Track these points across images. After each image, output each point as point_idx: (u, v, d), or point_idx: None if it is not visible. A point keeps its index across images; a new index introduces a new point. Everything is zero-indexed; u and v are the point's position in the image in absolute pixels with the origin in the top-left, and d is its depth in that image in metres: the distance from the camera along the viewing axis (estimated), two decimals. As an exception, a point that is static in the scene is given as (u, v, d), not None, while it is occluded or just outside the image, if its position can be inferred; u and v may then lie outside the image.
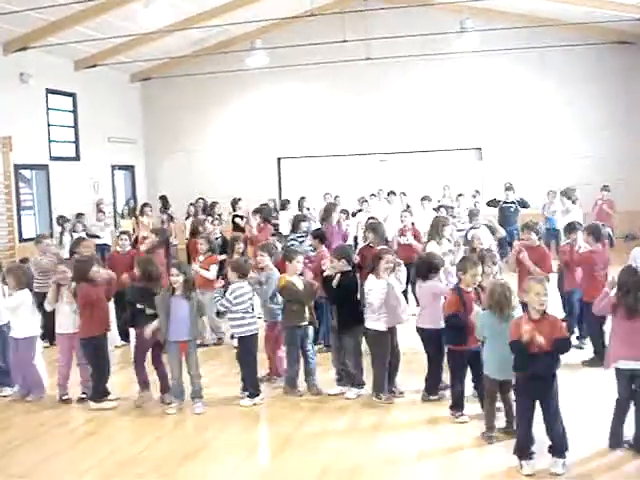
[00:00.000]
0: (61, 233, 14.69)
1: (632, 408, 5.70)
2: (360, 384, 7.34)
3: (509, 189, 15.72)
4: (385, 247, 8.11)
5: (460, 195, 15.79)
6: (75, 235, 13.78)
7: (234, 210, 14.81)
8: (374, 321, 7.09)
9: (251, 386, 7.29)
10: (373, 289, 7.08)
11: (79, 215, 15.96)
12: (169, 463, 5.89)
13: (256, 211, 12.54)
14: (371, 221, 10.01)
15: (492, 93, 19.04)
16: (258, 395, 7.26)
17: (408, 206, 15.00)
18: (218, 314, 9.64)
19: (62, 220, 15.14)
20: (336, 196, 17.10)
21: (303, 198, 16.53)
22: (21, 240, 15.75)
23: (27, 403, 7.53)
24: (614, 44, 17.72)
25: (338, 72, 19.36)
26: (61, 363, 7.58)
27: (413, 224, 11.53)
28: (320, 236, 9.19)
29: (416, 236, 10.79)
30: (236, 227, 14.16)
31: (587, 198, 15.12)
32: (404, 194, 17.20)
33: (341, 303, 7.36)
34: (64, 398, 7.49)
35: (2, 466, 5.94)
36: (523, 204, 15.41)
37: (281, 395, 7.48)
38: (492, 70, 19.02)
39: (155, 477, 5.63)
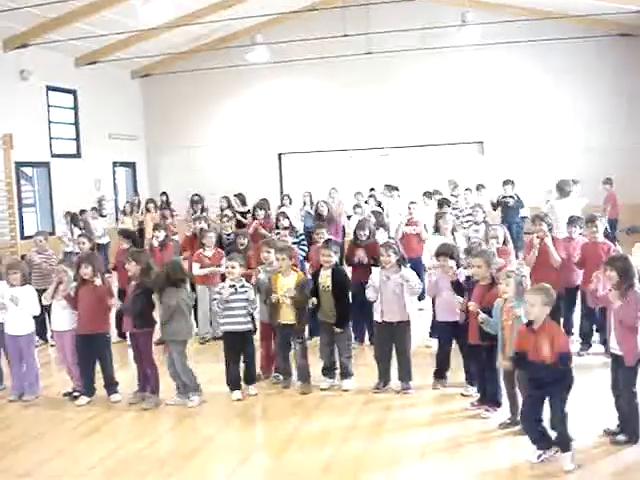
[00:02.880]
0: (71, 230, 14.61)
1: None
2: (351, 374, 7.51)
3: (507, 183, 15.77)
4: (386, 241, 8.11)
5: (467, 189, 15.67)
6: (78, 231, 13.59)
7: (244, 205, 14.72)
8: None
9: (254, 375, 7.47)
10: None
11: (82, 212, 15.93)
12: (172, 461, 5.88)
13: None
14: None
15: (493, 86, 19.00)
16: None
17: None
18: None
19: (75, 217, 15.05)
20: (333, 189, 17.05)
21: (308, 193, 16.49)
22: (23, 237, 15.73)
23: (23, 404, 7.46)
24: (615, 37, 17.65)
25: (339, 66, 19.31)
26: (61, 358, 7.67)
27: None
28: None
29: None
30: (240, 223, 14.13)
31: (589, 191, 15.03)
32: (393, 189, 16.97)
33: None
34: (69, 391, 7.56)
35: (5, 465, 5.93)
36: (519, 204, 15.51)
37: (282, 392, 7.48)
38: (493, 63, 18.97)
39: (159, 475, 5.62)
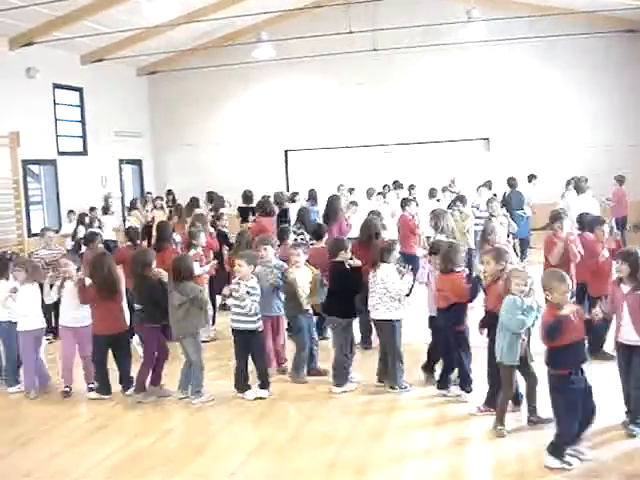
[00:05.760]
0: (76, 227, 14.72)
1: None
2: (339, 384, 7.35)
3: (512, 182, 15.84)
4: (389, 239, 8.13)
5: (482, 186, 15.63)
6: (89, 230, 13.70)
7: (250, 202, 14.71)
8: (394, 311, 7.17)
9: (266, 377, 7.35)
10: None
11: (92, 209, 15.97)
12: (179, 457, 5.91)
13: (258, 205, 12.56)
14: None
15: (499, 83, 18.97)
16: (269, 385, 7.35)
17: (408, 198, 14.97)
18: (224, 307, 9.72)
19: (81, 215, 15.17)
20: (350, 188, 17.04)
21: (312, 190, 16.57)
22: (30, 235, 15.81)
23: (34, 397, 7.56)
24: (621, 33, 17.60)
25: (344, 63, 19.31)
26: (64, 355, 7.67)
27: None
28: (316, 233, 9.15)
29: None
30: (244, 219, 14.12)
31: (595, 187, 15.01)
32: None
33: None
34: (66, 390, 7.57)
35: (13, 461, 5.98)
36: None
37: (287, 390, 7.48)
38: (499, 60, 18.94)
39: (165, 471, 5.65)
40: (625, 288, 5.84)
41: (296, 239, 9.83)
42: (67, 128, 18.39)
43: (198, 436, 6.41)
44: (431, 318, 7.38)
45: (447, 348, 7.00)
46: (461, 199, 12.61)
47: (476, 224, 12.05)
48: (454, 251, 6.89)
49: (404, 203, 12.05)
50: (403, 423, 6.44)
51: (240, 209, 14.61)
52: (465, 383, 6.84)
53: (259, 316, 7.25)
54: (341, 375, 7.30)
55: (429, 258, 7.44)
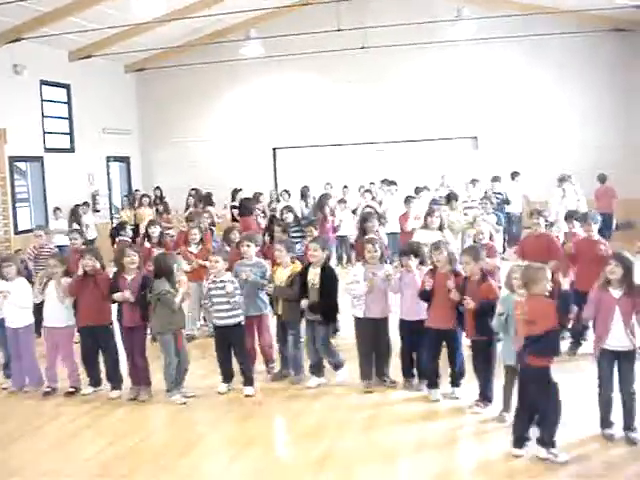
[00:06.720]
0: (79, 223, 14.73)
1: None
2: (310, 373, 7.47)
3: (496, 180, 15.88)
4: (371, 236, 8.10)
5: (475, 181, 15.60)
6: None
7: (233, 200, 14.78)
8: (352, 308, 7.28)
9: (250, 372, 7.31)
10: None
11: (77, 206, 15.88)
12: (167, 455, 5.89)
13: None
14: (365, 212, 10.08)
15: (488, 81, 18.97)
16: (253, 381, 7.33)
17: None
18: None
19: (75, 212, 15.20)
20: (345, 186, 17.03)
21: (306, 187, 16.58)
22: (17, 232, 15.72)
23: (24, 395, 7.55)
24: (610, 32, 17.64)
25: (333, 61, 19.24)
26: (47, 355, 7.65)
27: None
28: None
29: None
30: (234, 218, 14.18)
31: (583, 186, 15.07)
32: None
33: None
34: (47, 391, 7.54)
35: (0, 460, 5.93)
36: (506, 201, 15.62)
37: (276, 386, 7.46)
38: (488, 58, 18.94)
39: (154, 469, 5.63)
40: (616, 293, 5.62)
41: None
42: (54, 125, 18.22)
43: (187, 433, 6.40)
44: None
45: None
46: (454, 197, 12.65)
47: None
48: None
49: (407, 201, 12.07)
50: (393, 419, 6.44)
51: (231, 207, 14.77)
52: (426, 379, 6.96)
53: (242, 310, 7.26)
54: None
55: (400, 259, 7.29)
